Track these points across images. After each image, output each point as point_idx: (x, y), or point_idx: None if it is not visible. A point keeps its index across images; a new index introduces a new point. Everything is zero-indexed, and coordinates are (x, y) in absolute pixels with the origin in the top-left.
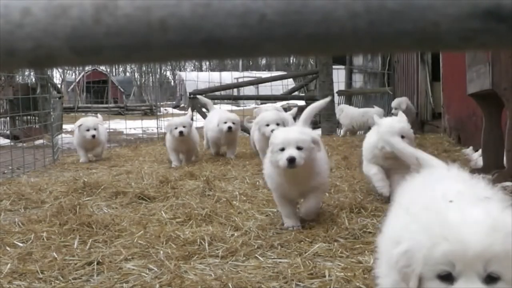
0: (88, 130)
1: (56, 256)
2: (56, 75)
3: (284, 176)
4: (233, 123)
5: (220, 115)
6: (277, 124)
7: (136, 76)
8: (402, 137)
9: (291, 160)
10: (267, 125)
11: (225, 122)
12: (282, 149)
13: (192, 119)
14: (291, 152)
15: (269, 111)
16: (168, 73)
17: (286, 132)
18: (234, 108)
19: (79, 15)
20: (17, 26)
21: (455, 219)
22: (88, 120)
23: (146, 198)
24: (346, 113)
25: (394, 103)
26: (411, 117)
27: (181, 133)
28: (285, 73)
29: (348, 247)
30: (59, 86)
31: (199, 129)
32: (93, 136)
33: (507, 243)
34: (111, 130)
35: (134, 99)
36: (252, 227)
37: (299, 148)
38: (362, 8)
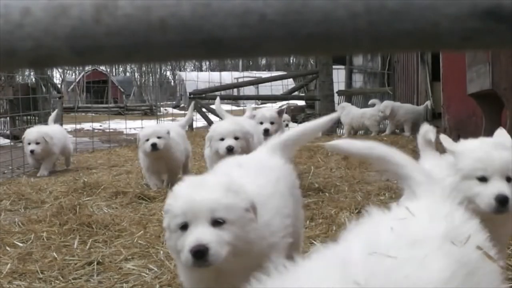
0: (29, 143)
1: (56, 256)
2: (56, 75)
3: (199, 273)
4: (271, 122)
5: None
6: (236, 138)
7: (136, 76)
8: (509, 179)
9: (197, 254)
10: (222, 139)
11: (261, 123)
12: (184, 227)
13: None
14: (199, 235)
15: (226, 121)
16: (168, 73)
17: (192, 188)
18: (234, 108)
19: (79, 15)
20: (17, 26)
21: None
22: (31, 133)
23: (146, 198)
24: (348, 111)
25: (381, 106)
26: (397, 120)
27: (153, 146)
28: (285, 73)
29: None
30: (59, 86)
31: (200, 129)
32: (32, 151)
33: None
34: (111, 130)
35: (134, 99)
36: None
37: (217, 223)
38: (362, 8)
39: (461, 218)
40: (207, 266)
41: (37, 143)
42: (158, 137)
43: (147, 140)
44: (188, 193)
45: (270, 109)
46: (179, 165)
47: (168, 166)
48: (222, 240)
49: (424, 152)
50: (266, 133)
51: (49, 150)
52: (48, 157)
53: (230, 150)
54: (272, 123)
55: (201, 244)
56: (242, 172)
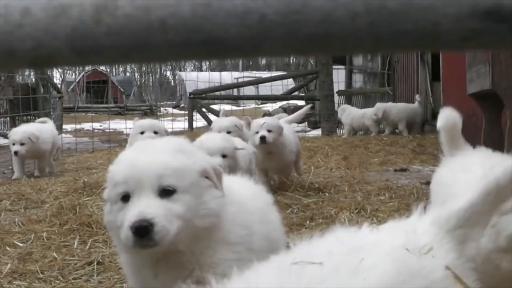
0: (13, 144)
1: (56, 256)
2: (56, 75)
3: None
4: (269, 130)
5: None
6: (224, 156)
7: (136, 76)
8: None
9: (139, 230)
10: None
11: (257, 132)
12: (126, 198)
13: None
14: (142, 208)
15: (216, 136)
16: (168, 73)
17: (137, 152)
18: (234, 108)
19: (79, 15)
20: (17, 26)
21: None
22: (16, 133)
23: None
24: (349, 112)
25: (373, 110)
26: (392, 120)
27: None
28: (285, 73)
29: None
30: (59, 86)
31: (200, 129)
32: (15, 152)
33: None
34: (111, 130)
35: (134, 99)
36: None
37: (166, 192)
38: (362, 8)
39: (434, 237)
40: (152, 247)
41: (22, 144)
42: (155, 132)
43: (142, 133)
44: (131, 157)
45: (267, 117)
46: None
47: None
48: (171, 214)
49: (451, 148)
50: (263, 140)
51: (35, 150)
52: (40, 157)
53: None
54: (269, 131)
55: (144, 219)
56: None
